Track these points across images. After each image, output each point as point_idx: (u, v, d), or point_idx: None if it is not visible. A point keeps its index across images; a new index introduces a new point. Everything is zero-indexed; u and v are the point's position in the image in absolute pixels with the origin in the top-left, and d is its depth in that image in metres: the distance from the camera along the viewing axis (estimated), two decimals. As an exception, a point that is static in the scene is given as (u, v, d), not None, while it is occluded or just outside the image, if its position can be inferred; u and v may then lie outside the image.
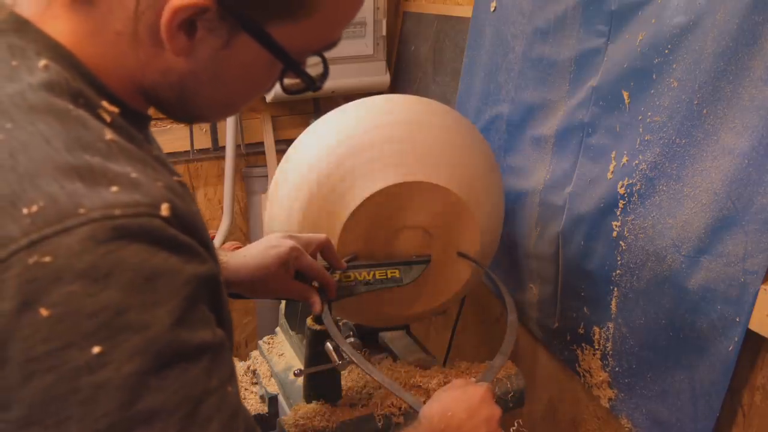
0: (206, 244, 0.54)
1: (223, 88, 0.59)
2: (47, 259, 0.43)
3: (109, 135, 0.50)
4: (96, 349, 0.43)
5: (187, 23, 0.52)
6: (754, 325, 0.87)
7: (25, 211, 0.44)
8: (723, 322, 0.90)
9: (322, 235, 0.98)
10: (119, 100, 0.56)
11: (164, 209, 0.48)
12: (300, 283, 0.95)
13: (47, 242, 0.43)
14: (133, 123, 0.57)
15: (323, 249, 0.98)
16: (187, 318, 0.48)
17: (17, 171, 0.45)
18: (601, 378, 1.17)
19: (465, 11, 1.58)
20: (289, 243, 0.92)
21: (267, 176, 2.02)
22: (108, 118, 0.53)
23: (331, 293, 0.97)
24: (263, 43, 0.55)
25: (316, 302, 0.94)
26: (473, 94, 1.50)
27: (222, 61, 0.56)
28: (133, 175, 0.48)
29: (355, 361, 0.87)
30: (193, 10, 0.51)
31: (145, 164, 0.51)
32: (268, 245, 0.92)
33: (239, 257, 0.92)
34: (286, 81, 0.62)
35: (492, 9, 1.41)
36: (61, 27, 0.54)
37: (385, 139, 1.03)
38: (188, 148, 1.94)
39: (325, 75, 0.63)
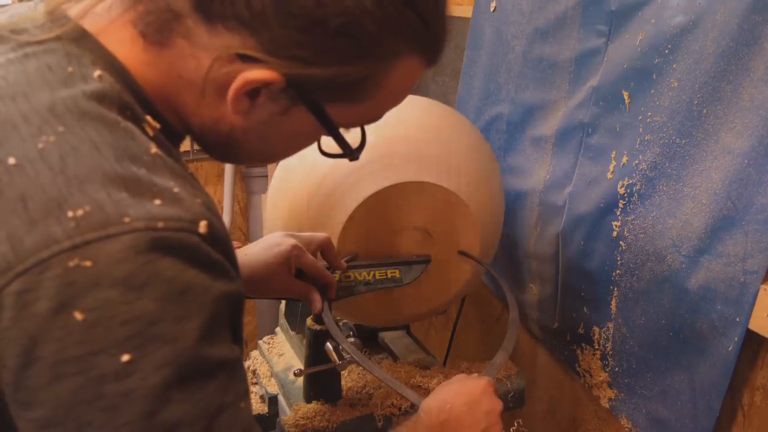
0: (234, 262, 0.55)
1: (268, 146, 0.62)
2: (88, 263, 0.44)
3: (154, 149, 0.52)
4: (125, 357, 0.44)
5: (253, 90, 0.54)
6: (754, 325, 0.87)
7: (70, 214, 0.44)
8: (723, 322, 0.90)
9: (322, 234, 0.98)
10: (162, 118, 0.57)
11: (203, 226, 0.49)
12: (301, 282, 0.95)
13: (90, 247, 0.44)
14: (171, 140, 0.59)
15: (323, 248, 0.98)
16: (211, 334, 0.49)
17: (66, 174, 0.46)
18: (601, 378, 1.17)
19: (465, 11, 1.58)
20: (291, 241, 0.92)
21: (267, 176, 2.02)
22: (151, 132, 0.54)
23: (332, 293, 0.97)
24: (318, 117, 0.58)
25: (317, 301, 0.94)
26: (473, 94, 1.50)
27: (274, 125, 0.59)
28: (176, 190, 0.50)
29: (356, 358, 0.87)
30: (263, 82, 0.53)
31: (185, 180, 0.52)
32: (269, 244, 0.92)
33: (240, 256, 0.92)
34: (324, 146, 0.67)
35: (492, 9, 1.41)
36: (123, 49, 0.55)
37: (385, 140, 1.03)
38: (188, 148, 1.94)
39: (362, 146, 0.67)
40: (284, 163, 1.12)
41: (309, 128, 0.60)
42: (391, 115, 1.07)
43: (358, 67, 0.55)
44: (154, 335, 0.45)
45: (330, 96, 0.56)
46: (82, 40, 0.54)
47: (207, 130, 0.60)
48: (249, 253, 0.92)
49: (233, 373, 0.51)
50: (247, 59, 0.53)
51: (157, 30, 0.54)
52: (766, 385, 0.91)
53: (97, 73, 0.52)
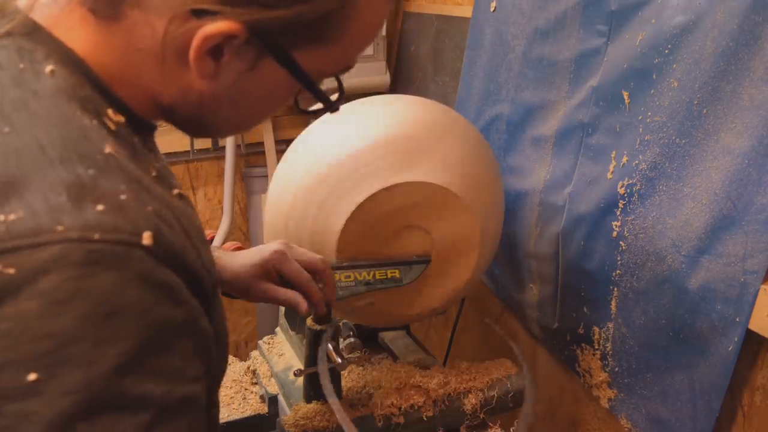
0: (196, 278, 0.51)
1: (241, 108, 0.59)
2: (11, 270, 0.41)
3: (109, 148, 0.49)
4: (32, 376, 0.40)
5: (215, 48, 0.52)
6: (754, 325, 0.87)
7: (1, 218, 0.42)
8: (723, 322, 0.90)
9: (317, 257, 0.93)
10: (125, 108, 0.55)
11: (146, 238, 0.45)
12: (282, 288, 0.90)
13: (17, 253, 0.41)
14: (138, 131, 0.56)
15: (315, 270, 0.92)
16: (138, 364, 0.43)
17: (4, 177, 0.44)
18: (600, 378, 1.17)
19: (465, 11, 1.58)
20: (274, 247, 0.90)
21: (267, 176, 2.02)
22: (113, 126, 0.52)
23: (319, 307, 0.93)
24: (287, 66, 0.55)
25: (301, 304, 0.89)
26: (473, 94, 1.50)
27: (244, 83, 0.56)
28: (123, 196, 0.46)
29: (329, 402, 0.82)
30: (224, 36, 0.51)
31: (140, 184, 0.49)
32: (258, 248, 0.90)
33: (228, 257, 0.90)
34: (302, 102, 0.64)
35: (492, 9, 1.41)
36: (76, 35, 0.53)
37: (384, 140, 1.03)
38: (188, 148, 1.94)
39: (341, 96, 0.64)
40: (284, 164, 1.12)
41: (281, 82, 0.57)
42: (390, 116, 1.08)
43: (320, 1, 0.52)
44: (68, 357, 0.41)
45: (296, 40, 0.54)
46: (34, 33, 0.52)
47: (177, 105, 0.57)
48: (236, 255, 0.90)
49: (170, 418, 0.45)
50: (202, 14, 0.50)
51: (107, 3, 0.52)
52: (766, 385, 0.91)
53: (49, 68, 0.50)
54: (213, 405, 0.65)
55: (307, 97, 0.62)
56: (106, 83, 0.53)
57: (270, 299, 0.90)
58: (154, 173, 0.54)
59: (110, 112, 0.53)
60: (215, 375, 0.59)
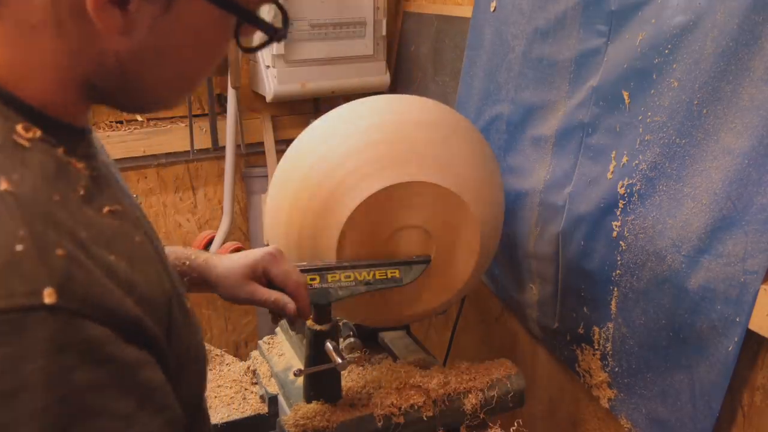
0: (128, 320, 0.43)
1: (170, 62, 0.50)
2: None
3: (4, 184, 0.41)
4: None
5: None
6: (754, 325, 0.87)
7: None
8: (723, 322, 0.90)
9: (298, 274, 0.89)
10: (40, 116, 0.47)
11: (48, 295, 0.38)
12: (269, 290, 0.86)
13: None
14: (61, 141, 0.48)
15: (287, 287, 0.87)
16: None
17: None
18: (600, 378, 1.17)
19: (465, 11, 1.58)
20: (267, 249, 0.87)
21: (267, 176, 2.02)
22: (26, 144, 0.45)
23: (305, 312, 0.88)
24: None
25: (289, 305, 0.85)
26: (473, 94, 1.50)
27: (164, 30, 0.47)
28: (19, 246, 0.39)
29: None
30: None
31: (48, 220, 0.41)
32: (248, 251, 0.88)
33: (217, 259, 0.87)
34: (243, 40, 0.53)
35: (492, 9, 1.41)
36: None
37: (384, 140, 1.03)
38: (188, 148, 1.94)
39: (285, 23, 0.54)
40: (284, 164, 1.12)
41: (207, 19, 0.49)
42: (390, 115, 1.08)
43: None
44: None
45: None
46: None
47: (97, 78, 0.48)
48: (229, 257, 0.87)
49: None
50: None
51: None
52: (766, 385, 0.91)
53: None
54: (201, 422, 0.61)
55: (248, 32, 0.53)
56: (10, 91, 0.46)
57: (256, 300, 0.86)
58: (81, 191, 0.46)
59: (20, 128, 0.45)
60: (191, 401, 0.54)
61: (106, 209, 0.47)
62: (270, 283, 0.87)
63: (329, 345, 0.98)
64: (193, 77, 0.54)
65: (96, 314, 0.40)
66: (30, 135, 0.45)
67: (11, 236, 0.39)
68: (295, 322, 0.89)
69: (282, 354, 1.28)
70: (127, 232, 0.48)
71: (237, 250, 1.95)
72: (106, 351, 0.41)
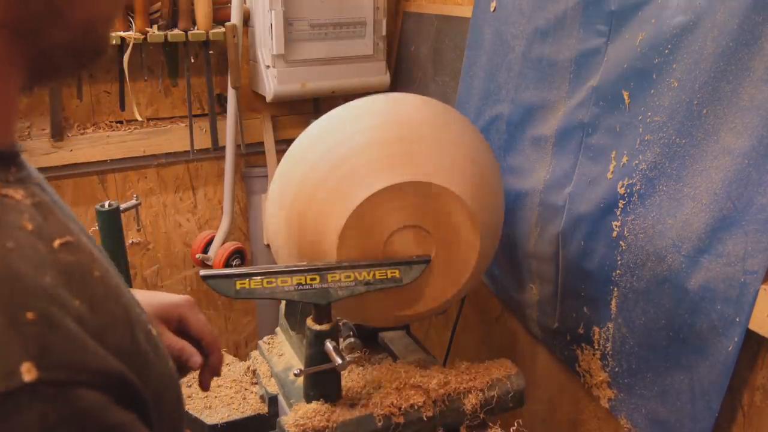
0: (110, 373, 0.36)
1: None
2: None
3: None
4: None
5: None
6: (754, 325, 0.87)
7: None
8: (723, 322, 0.90)
9: (211, 328, 0.80)
10: None
11: (26, 372, 0.31)
12: (177, 338, 0.76)
13: None
14: None
15: (210, 339, 0.79)
16: None
17: None
18: (600, 378, 1.17)
19: (465, 11, 1.58)
20: (185, 296, 0.78)
21: (267, 176, 2.02)
22: None
23: (216, 366, 0.79)
24: None
25: (195, 356, 0.75)
26: (473, 94, 1.50)
27: None
28: None
29: None
30: None
31: (3, 278, 0.33)
32: (166, 293, 0.79)
33: (135, 292, 0.73)
34: None
35: (492, 9, 1.41)
36: None
37: (384, 139, 1.03)
38: (188, 148, 1.94)
39: None
40: (284, 164, 1.12)
41: None
42: (390, 115, 1.08)
43: None
44: None
45: None
46: None
47: (24, 26, 0.38)
48: (147, 292, 0.78)
49: None
50: None
51: None
52: (766, 385, 0.91)
53: None
54: None
55: None
56: None
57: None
58: (30, 227, 0.37)
59: None
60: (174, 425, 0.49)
61: (56, 243, 0.39)
62: (180, 332, 0.78)
63: (329, 345, 0.98)
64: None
65: (84, 378, 0.34)
66: None
67: None
68: (202, 380, 0.79)
69: (282, 354, 1.28)
70: (84, 269, 0.40)
71: (237, 250, 1.95)
72: (101, 420, 0.35)
